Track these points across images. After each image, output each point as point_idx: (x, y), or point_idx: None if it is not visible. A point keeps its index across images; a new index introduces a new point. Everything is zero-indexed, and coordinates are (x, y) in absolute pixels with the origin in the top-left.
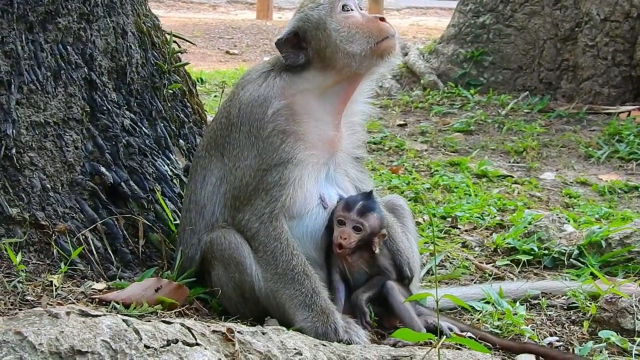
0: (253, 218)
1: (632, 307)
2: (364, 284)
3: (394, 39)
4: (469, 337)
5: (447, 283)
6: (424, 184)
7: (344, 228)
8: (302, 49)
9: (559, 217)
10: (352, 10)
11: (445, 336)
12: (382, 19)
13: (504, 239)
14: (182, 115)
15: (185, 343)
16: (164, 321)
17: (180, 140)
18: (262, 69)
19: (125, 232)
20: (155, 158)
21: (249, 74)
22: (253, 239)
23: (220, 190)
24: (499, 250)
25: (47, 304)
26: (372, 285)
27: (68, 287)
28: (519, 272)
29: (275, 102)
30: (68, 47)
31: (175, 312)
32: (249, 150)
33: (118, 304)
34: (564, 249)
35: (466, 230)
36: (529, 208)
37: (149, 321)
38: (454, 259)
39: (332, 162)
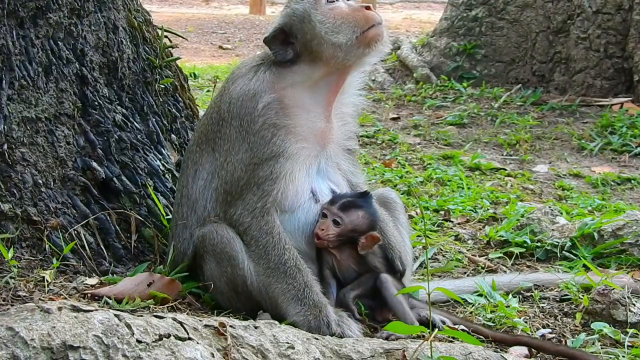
0: (245, 212)
1: (625, 298)
2: (353, 281)
3: (381, 27)
4: (462, 329)
5: (440, 276)
6: (416, 177)
7: (325, 220)
8: (290, 44)
9: (552, 210)
10: (337, 1)
11: (437, 329)
12: (368, 8)
13: (497, 231)
14: (174, 110)
15: (177, 337)
16: (156, 316)
17: (172, 135)
18: (252, 63)
19: (117, 227)
20: (147, 153)
21: (239, 68)
22: (245, 234)
23: (211, 185)
24: (491, 242)
25: (39, 299)
26: (360, 283)
27: (60, 282)
28: (511, 264)
29: (265, 96)
30: (59, 42)
31: (167, 307)
32: (240, 144)
33: (110, 299)
34: (557, 241)
35: (459, 223)
36: (522, 201)
37: (141, 316)
38: (447, 252)
39: (323, 155)
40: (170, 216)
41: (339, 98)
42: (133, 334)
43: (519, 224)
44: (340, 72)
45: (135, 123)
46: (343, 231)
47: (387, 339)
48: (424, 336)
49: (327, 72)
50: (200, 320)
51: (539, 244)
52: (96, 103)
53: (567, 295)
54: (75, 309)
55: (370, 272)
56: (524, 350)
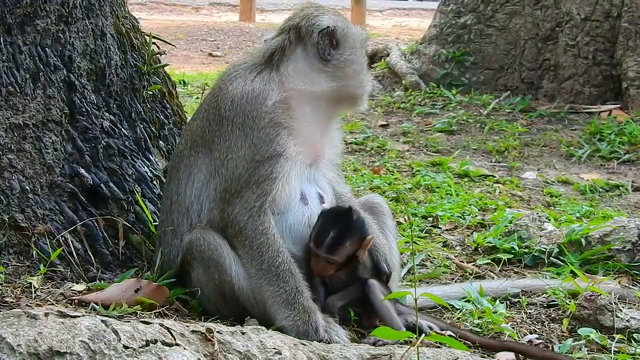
0: (242, 211)
1: (611, 304)
2: (340, 289)
3: None
4: (449, 335)
5: (427, 282)
6: (405, 184)
7: (319, 260)
8: (331, 47)
9: (539, 216)
10: None
11: (424, 334)
12: None
13: (485, 237)
14: (161, 116)
15: (164, 343)
16: (143, 321)
17: (160, 142)
18: (250, 65)
19: (105, 233)
20: (135, 159)
21: (235, 69)
22: (240, 233)
23: (209, 186)
24: (479, 249)
25: (26, 305)
26: (349, 292)
27: (47, 288)
28: (499, 270)
29: (275, 94)
30: (47, 49)
31: (155, 313)
32: (243, 141)
33: (97, 305)
34: (544, 248)
35: (447, 230)
36: (510, 207)
37: (128, 322)
38: (435, 258)
39: (314, 164)
40: (157, 222)
41: (332, 123)
42: (120, 339)
43: (506, 230)
44: (336, 103)
45: (123, 129)
46: (339, 263)
47: (374, 344)
48: (411, 341)
49: (334, 95)
50: (188, 326)
51: (526, 250)
52: (84, 109)
53: (554, 301)
54: (62, 315)
55: (359, 282)
56: (510, 356)
